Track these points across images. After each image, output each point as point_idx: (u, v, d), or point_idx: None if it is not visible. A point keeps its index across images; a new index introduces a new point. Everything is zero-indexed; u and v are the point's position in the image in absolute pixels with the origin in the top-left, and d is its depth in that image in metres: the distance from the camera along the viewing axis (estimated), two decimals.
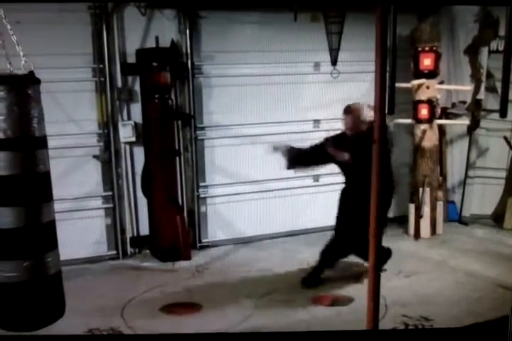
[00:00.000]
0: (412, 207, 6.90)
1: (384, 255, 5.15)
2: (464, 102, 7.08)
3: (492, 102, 6.96)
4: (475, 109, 7.10)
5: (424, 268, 5.74)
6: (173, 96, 6.09)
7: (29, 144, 3.15)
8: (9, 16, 3.26)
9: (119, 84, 6.04)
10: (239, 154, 6.50)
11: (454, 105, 7.15)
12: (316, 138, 6.82)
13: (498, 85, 6.71)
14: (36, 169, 3.20)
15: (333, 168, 6.92)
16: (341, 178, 6.95)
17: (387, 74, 3.15)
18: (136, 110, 6.11)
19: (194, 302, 4.95)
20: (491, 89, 7.01)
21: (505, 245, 6.15)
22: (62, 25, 5.57)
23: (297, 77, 6.70)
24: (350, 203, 5.37)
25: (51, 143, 3.37)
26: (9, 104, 3.07)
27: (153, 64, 5.84)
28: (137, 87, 6.10)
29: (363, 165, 4.98)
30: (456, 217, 7.39)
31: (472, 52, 6.99)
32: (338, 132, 5.50)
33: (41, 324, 3.33)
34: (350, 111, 5.33)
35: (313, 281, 5.40)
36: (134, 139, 6.08)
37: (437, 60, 6.64)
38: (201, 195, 6.54)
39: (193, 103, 6.28)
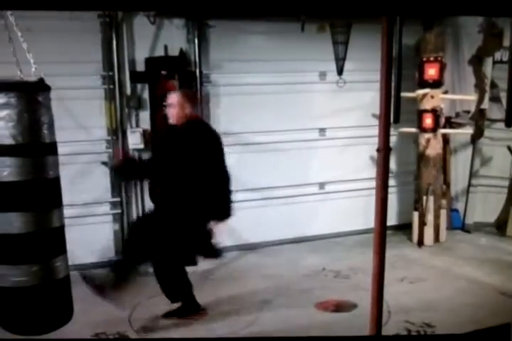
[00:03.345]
0: (415, 215, 6.94)
1: (189, 307, 4.87)
2: (468, 112, 7.14)
3: (496, 112, 7.01)
4: (479, 119, 7.17)
5: (428, 275, 5.79)
6: None
7: (39, 150, 3.20)
8: (20, 24, 3.33)
9: (128, 91, 6.10)
10: (245, 161, 6.55)
11: (458, 114, 7.21)
12: (321, 146, 6.94)
13: (502, 95, 6.79)
14: (46, 175, 3.25)
15: (339, 175, 7.03)
16: (347, 186, 7.09)
17: (393, 84, 3.20)
18: (145, 117, 6.17)
19: (200, 307, 4.98)
20: (494, 99, 7.06)
21: (507, 253, 6.18)
22: (73, 33, 5.63)
23: (303, 86, 6.77)
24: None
25: (61, 149, 3.43)
26: (20, 111, 3.11)
27: (162, 72, 5.91)
28: (146, 95, 6.15)
29: (178, 166, 4.52)
30: (459, 224, 7.44)
31: (476, 62, 7.04)
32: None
33: (49, 328, 3.38)
34: (179, 91, 4.88)
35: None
36: (142, 146, 6.12)
37: (442, 70, 6.70)
38: None
39: (200, 111, 6.33)
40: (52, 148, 3.30)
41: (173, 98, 4.69)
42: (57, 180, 3.35)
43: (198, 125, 4.74)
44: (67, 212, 3.55)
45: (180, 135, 4.61)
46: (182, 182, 4.55)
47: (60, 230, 3.37)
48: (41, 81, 3.26)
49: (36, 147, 3.19)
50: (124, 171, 4.97)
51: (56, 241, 3.34)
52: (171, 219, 4.55)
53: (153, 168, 4.73)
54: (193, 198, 4.57)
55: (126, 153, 4.91)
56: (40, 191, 3.22)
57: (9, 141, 3.11)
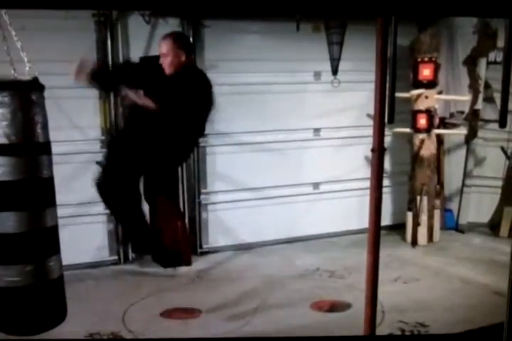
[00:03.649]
0: (409, 215, 6.95)
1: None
2: (462, 112, 7.15)
3: (489, 112, 7.03)
4: (473, 119, 7.18)
5: (421, 275, 5.79)
6: None
7: (33, 150, 3.20)
8: (14, 22, 3.32)
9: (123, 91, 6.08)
10: (240, 161, 6.56)
11: (452, 115, 7.21)
12: (316, 146, 6.95)
13: (496, 96, 6.82)
14: (40, 174, 3.24)
15: (333, 175, 7.04)
16: (341, 186, 7.10)
17: (387, 84, 3.21)
18: None
19: (194, 307, 4.98)
20: (488, 100, 7.08)
21: (500, 253, 6.19)
22: (67, 32, 5.60)
23: (298, 86, 6.77)
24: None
25: (55, 148, 3.42)
26: (13, 110, 3.11)
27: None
28: None
29: (168, 114, 4.34)
30: (453, 224, 7.45)
31: (471, 63, 7.05)
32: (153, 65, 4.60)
33: (43, 328, 3.37)
34: (171, 38, 4.55)
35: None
36: None
37: (436, 71, 6.72)
38: (202, 202, 6.58)
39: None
40: (46, 147, 3.29)
41: (166, 46, 4.51)
42: (51, 180, 3.35)
43: (194, 73, 4.63)
44: (60, 211, 3.54)
45: (175, 82, 4.45)
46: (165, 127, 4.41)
47: (54, 230, 3.37)
48: (35, 80, 3.26)
49: (30, 146, 3.18)
50: (100, 77, 4.65)
51: (50, 240, 3.33)
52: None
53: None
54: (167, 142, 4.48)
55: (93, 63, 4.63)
56: (33, 190, 3.22)
57: (2, 140, 3.10)
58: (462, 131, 7.22)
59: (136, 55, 6.06)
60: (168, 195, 4.90)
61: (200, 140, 6.43)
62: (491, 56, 7.00)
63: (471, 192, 7.46)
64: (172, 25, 6.17)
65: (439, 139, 7.19)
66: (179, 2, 2.80)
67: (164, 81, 4.54)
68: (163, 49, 4.53)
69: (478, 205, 7.43)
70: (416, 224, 6.87)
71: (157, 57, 5.95)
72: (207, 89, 4.61)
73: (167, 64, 4.53)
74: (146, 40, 6.10)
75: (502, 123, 3.29)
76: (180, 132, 4.49)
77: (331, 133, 7.03)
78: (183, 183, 6.36)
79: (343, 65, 6.50)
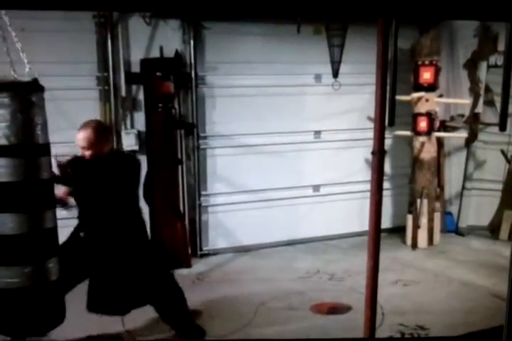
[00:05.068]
0: (409, 218, 6.95)
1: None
2: (463, 115, 7.16)
3: (490, 116, 7.03)
4: (473, 122, 7.19)
5: (421, 278, 5.80)
6: (176, 106, 6.13)
7: (33, 151, 3.18)
8: (14, 23, 3.31)
9: (123, 93, 6.09)
10: (240, 163, 6.56)
11: (452, 118, 7.22)
12: (316, 148, 6.95)
13: (496, 99, 6.80)
14: (39, 176, 3.23)
15: (333, 178, 7.03)
16: (342, 188, 7.10)
17: (388, 87, 3.21)
18: (140, 119, 6.16)
19: (194, 309, 4.97)
20: (489, 103, 7.08)
21: (500, 256, 6.18)
22: (67, 34, 5.63)
23: (299, 89, 6.78)
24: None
25: (54, 150, 3.41)
26: (13, 111, 3.09)
27: (157, 73, 5.89)
28: (141, 96, 6.14)
29: (101, 203, 4.05)
30: (453, 227, 7.45)
31: (471, 66, 7.07)
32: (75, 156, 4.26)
33: (41, 330, 3.37)
34: (88, 126, 4.12)
35: None
36: (137, 147, 6.11)
37: (437, 74, 6.72)
38: (203, 204, 6.59)
39: (195, 112, 6.34)
40: (45, 148, 3.28)
41: (84, 140, 4.10)
42: (50, 181, 3.34)
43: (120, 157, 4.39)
44: (60, 213, 3.54)
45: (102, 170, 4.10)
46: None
47: (53, 231, 3.36)
48: (35, 81, 3.25)
49: (30, 148, 3.17)
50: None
51: (49, 242, 3.32)
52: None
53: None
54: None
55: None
56: (33, 192, 3.20)
57: (2, 142, 3.09)
58: (462, 134, 7.22)
59: (136, 56, 6.08)
60: None
61: (201, 142, 6.47)
62: (492, 59, 7.00)
63: (471, 195, 7.46)
64: (173, 26, 6.18)
65: (440, 142, 7.18)
66: (180, 4, 2.79)
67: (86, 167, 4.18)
68: (80, 142, 4.13)
69: (478, 208, 7.42)
70: (416, 226, 6.87)
71: (157, 60, 5.99)
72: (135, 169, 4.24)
73: (89, 155, 4.13)
74: (146, 41, 6.11)
75: (502, 126, 3.30)
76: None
77: (332, 135, 7.03)
78: (183, 185, 6.36)
79: (343, 68, 6.50)
